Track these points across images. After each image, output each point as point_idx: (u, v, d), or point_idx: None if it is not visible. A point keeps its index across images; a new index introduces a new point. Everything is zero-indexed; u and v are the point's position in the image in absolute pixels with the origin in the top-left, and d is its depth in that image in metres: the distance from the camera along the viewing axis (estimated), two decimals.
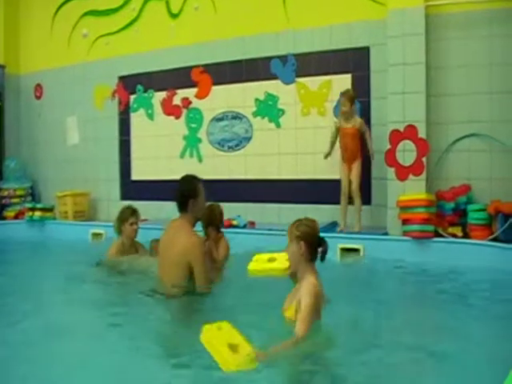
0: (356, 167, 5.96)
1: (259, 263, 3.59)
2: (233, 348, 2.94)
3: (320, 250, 3.20)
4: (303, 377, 2.87)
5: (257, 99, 7.08)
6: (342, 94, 6.01)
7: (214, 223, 4.98)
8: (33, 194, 8.89)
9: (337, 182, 6.13)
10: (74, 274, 5.25)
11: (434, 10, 5.83)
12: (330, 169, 6.21)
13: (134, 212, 5.50)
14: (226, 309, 3.99)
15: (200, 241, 4.50)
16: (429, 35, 5.82)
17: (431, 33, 5.84)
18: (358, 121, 5.99)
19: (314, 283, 3.09)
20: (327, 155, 6.12)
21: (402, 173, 5.79)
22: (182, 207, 4.46)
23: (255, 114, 7.10)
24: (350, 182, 5.98)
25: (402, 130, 5.78)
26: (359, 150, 5.99)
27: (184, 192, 4.47)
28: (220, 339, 2.98)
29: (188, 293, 4.26)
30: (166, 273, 4.41)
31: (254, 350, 2.85)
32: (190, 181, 4.60)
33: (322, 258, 3.23)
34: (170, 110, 7.82)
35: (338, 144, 6.10)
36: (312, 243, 3.19)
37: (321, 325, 3.15)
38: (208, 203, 4.82)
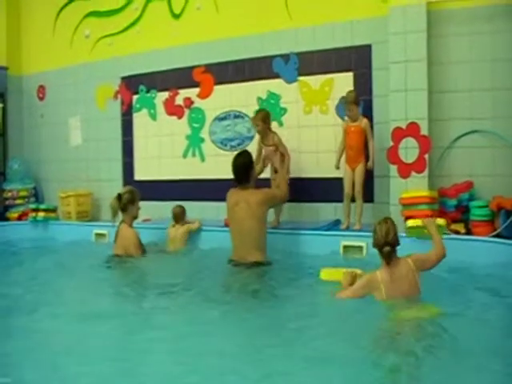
0: (360, 169, 5.96)
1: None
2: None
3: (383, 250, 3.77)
4: None
5: (259, 98, 7.08)
6: (347, 100, 6.01)
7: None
8: (36, 195, 8.92)
9: (339, 181, 6.13)
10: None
11: (436, 6, 5.82)
12: (332, 167, 6.19)
13: None
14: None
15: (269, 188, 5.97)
16: (430, 32, 5.81)
17: (433, 29, 5.83)
18: (364, 121, 6.00)
19: (373, 275, 3.81)
20: (337, 166, 6.15)
21: (405, 170, 5.79)
22: (245, 178, 5.38)
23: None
24: (352, 184, 5.99)
25: (404, 127, 5.77)
26: (364, 149, 5.99)
27: (246, 164, 5.41)
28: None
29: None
30: (246, 235, 5.24)
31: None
32: (246, 154, 5.56)
33: (383, 257, 3.80)
34: (173, 109, 7.83)
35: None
36: (376, 244, 3.82)
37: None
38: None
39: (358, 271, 4.30)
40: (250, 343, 3.32)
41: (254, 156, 6.09)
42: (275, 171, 6.32)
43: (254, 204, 5.25)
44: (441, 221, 4.93)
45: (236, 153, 5.74)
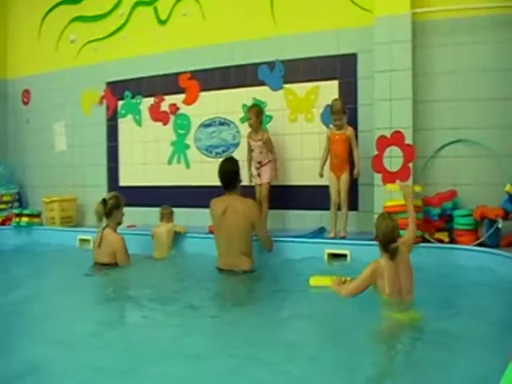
0: (345, 177, 5.96)
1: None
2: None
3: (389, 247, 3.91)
4: None
5: (245, 105, 7.07)
6: (336, 109, 5.98)
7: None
8: (20, 200, 8.84)
9: (324, 188, 6.15)
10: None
11: (421, 17, 5.88)
12: (317, 175, 6.20)
13: None
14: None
15: (255, 203, 5.75)
16: (415, 42, 5.87)
17: (418, 40, 5.90)
18: (349, 129, 6.02)
19: (377, 262, 3.93)
20: (321, 174, 6.15)
21: (389, 178, 5.82)
22: (232, 184, 5.45)
23: (243, 120, 7.09)
24: (338, 192, 6.00)
25: (388, 136, 5.80)
26: (348, 158, 6.00)
27: (233, 169, 5.49)
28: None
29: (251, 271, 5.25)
30: (234, 242, 5.26)
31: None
32: (233, 160, 5.67)
33: (388, 252, 3.92)
34: (158, 116, 7.82)
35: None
36: (382, 242, 3.94)
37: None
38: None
39: (348, 278, 4.35)
40: (249, 344, 3.34)
41: (244, 156, 6.49)
42: (259, 163, 6.46)
43: (240, 211, 5.29)
44: (417, 188, 5.44)
45: (222, 159, 5.78)
